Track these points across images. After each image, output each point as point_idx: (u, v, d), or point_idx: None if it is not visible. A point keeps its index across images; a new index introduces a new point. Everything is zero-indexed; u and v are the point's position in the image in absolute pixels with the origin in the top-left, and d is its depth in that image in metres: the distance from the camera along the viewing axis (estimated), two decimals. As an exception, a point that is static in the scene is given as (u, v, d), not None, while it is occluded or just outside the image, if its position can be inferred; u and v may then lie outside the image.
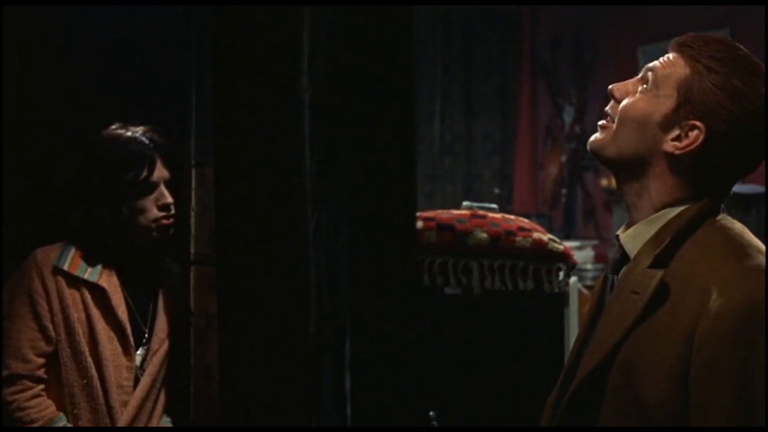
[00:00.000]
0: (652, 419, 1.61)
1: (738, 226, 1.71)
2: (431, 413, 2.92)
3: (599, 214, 7.36)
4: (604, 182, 7.12)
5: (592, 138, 1.79)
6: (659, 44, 6.37)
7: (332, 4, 1.17)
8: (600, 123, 1.78)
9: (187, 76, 1.61)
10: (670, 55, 1.75)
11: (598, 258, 6.63)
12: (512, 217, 3.28)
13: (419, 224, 3.04)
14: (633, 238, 1.74)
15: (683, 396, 1.58)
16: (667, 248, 1.68)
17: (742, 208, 6.13)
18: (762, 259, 1.61)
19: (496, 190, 7.94)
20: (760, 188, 6.30)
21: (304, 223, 1.24)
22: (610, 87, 1.78)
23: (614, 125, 1.75)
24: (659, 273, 1.66)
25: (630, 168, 1.76)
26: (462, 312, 3.10)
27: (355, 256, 1.18)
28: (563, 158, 7.78)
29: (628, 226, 1.77)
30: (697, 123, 1.69)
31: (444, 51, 7.97)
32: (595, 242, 6.93)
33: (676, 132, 1.72)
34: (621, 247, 1.77)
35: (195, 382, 1.72)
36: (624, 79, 1.80)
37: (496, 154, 8.11)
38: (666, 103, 1.72)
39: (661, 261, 1.68)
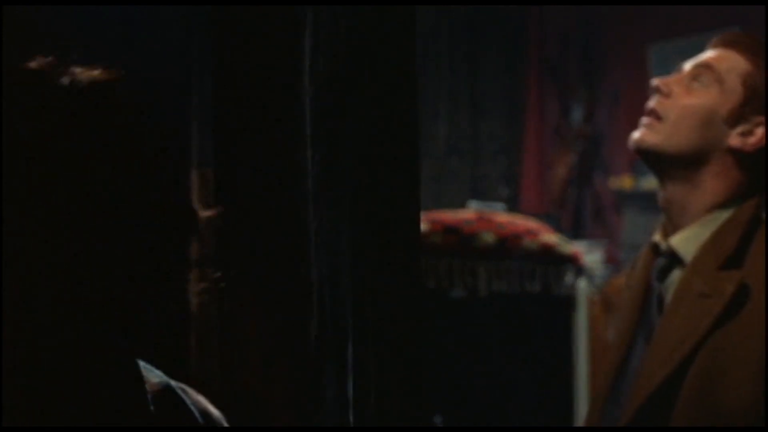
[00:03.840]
0: (736, 424, 1.58)
1: None
2: (437, 418, 2.89)
3: (608, 216, 7.33)
4: (613, 183, 7.08)
5: (638, 135, 1.73)
6: (669, 43, 6.34)
7: (334, 3, 1.15)
8: (645, 120, 1.73)
9: (188, 75, 1.59)
10: (720, 52, 1.71)
11: (608, 260, 6.59)
12: (520, 218, 3.26)
13: (425, 226, 3.02)
14: (687, 241, 1.69)
15: None
16: (738, 249, 1.64)
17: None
18: None
19: (503, 191, 7.91)
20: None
21: (306, 224, 1.22)
22: (656, 82, 1.74)
23: (666, 121, 1.70)
24: (736, 274, 1.62)
25: (686, 165, 1.70)
26: (468, 315, 3.09)
27: (358, 258, 1.16)
28: (572, 158, 7.75)
29: (671, 231, 1.72)
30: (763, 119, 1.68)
31: (450, 50, 7.94)
32: (605, 244, 6.89)
33: (742, 127, 1.68)
34: (668, 252, 1.72)
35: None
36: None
37: (503, 154, 8.08)
38: (732, 98, 1.68)
39: (734, 262, 1.64)
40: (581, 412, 3.22)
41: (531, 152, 8.01)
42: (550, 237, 3.20)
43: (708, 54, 1.71)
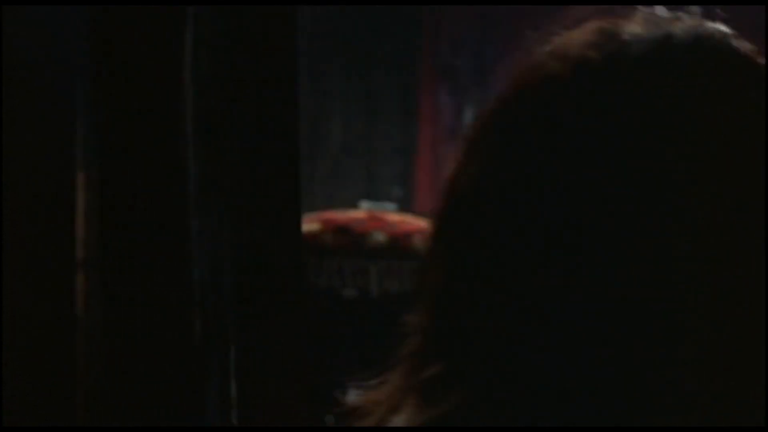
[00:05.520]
0: None
1: None
2: (328, 418, 2.89)
3: (499, 215, 7.40)
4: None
5: None
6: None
7: (216, 4, 1.15)
8: None
9: (70, 76, 1.56)
10: None
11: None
12: (411, 218, 3.29)
13: (315, 226, 3.02)
14: None
15: None
16: None
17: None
18: None
19: (397, 191, 7.95)
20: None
21: (187, 225, 1.21)
22: None
23: None
24: None
25: None
26: (360, 315, 3.09)
27: (240, 259, 1.16)
28: (464, 159, 7.83)
29: None
30: None
31: (343, 50, 7.95)
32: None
33: None
34: None
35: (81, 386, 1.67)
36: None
37: (398, 155, 8.11)
38: None
39: None
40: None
41: (425, 153, 8.06)
42: (440, 236, 3.24)
43: None
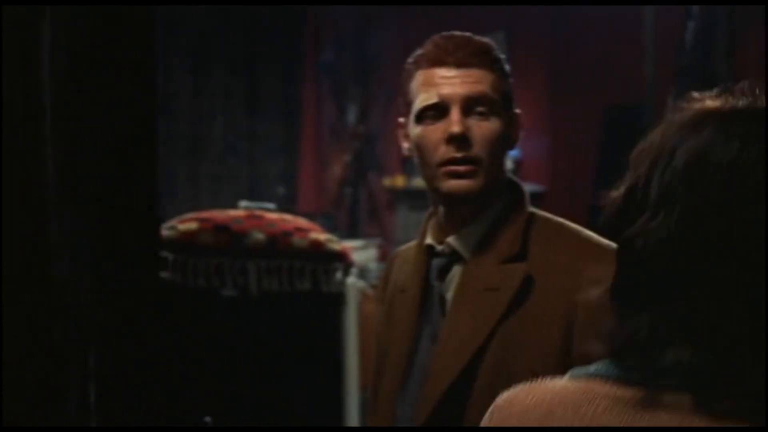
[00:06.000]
0: None
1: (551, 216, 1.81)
2: (207, 419, 2.87)
3: (382, 214, 7.46)
4: (386, 182, 7.21)
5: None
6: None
7: (73, 3, 1.12)
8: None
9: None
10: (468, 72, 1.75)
11: (382, 257, 6.72)
12: (290, 217, 3.27)
13: (193, 225, 2.99)
14: (465, 238, 1.75)
15: None
16: (520, 243, 1.72)
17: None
18: (599, 238, 1.72)
19: (281, 190, 7.93)
20: (536, 187, 6.54)
21: (46, 227, 1.18)
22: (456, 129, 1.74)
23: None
24: (521, 267, 1.70)
25: None
26: (240, 314, 3.07)
27: (100, 262, 1.13)
28: (347, 158, 7.85)
29: (450, 230, 1.76)
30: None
31: (226, 49, 7.89)
32: (379, 241, 7.02)
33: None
34: (448, 251, 1.75)
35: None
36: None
37: (281, 154, 8.10)
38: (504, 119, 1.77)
39: (517, 256, 1.72)
40: (351, 407, 3.27)
41: (308, 152, 8.07)
42: (319, 235, 3.23)
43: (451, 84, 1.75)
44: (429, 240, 1.81)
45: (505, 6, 6.49)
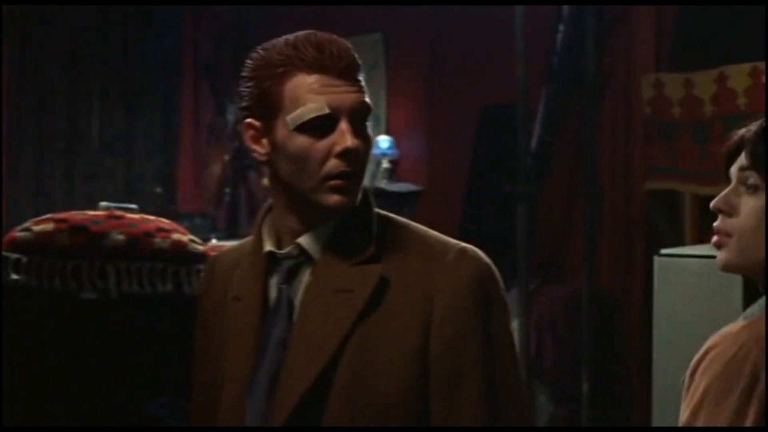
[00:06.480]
0: (391, 408, 1.66)
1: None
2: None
3: (263, 213, 7.40)
4: (266, 182, 7.16)
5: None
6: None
7: None
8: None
9: None
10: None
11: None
12: (152, 217, 3.21)
13: (50, 226, 2.91)
14: (314, 240, 1.72)
15: (423, 379, 1.66)
16: (374, 244, 1.71)
17: (396, 205, 6.38)
18: (445, 237, 1.74)
19: (159, 190, 7.82)
20: (412, 187, 6.58)
21: None
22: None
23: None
24: (376, 267, 1.69)
25: None
26: (99, 317, 3.01)
27: None
28: (226, 157, 7.78)
29: (301, 232, 1.73)
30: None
31: (103, 46, 7.75)
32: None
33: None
34: (295, 254, 1.73)
35: None
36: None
37: (159, 153, 7.99)
38: None
39: (372, 258, 1.70)
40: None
41: (187, 151, 7.97)
42: (182, 236, 3.18)
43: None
44: (269, 245, 1.78)
45: (382, 7, 6.51)
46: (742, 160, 1.73)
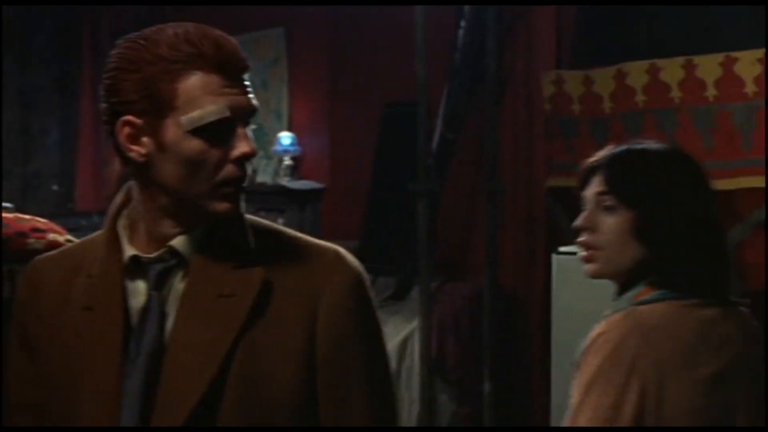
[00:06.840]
0: (282, 412, 1.61)
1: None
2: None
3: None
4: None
5: None
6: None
7: None
8: None
9: None
10: None
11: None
12: (27, 217, 3.08)
13: None
14: (188, 243, 1.64)
15: (312, 381, 1.63)
16: (254, 248, 1.65)
17: (298, 203, 6.30)
18: (317, 240, 1.73)
19: (56, 187, 7.63)
20: (315, 184, 6.51)
21: None
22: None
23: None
24: (259, 271, 1.62)
25: None
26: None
27: None
28: (126, 154, 7.63)
29: (173, 235, 1.64)
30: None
31: (-2, 42, 7.53)
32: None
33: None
34: (166, 257, 1.63)
35: None
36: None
37: (56, 150, 7.79)
38: None
39: (252, 261, 1.63)
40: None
41: (86, 148, 7.78)
42: (58, 236, 3.06)
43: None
44: (131, 250, 1.67)
45: (284, 1, 6.42)
46: (596, 185, 2.09)
